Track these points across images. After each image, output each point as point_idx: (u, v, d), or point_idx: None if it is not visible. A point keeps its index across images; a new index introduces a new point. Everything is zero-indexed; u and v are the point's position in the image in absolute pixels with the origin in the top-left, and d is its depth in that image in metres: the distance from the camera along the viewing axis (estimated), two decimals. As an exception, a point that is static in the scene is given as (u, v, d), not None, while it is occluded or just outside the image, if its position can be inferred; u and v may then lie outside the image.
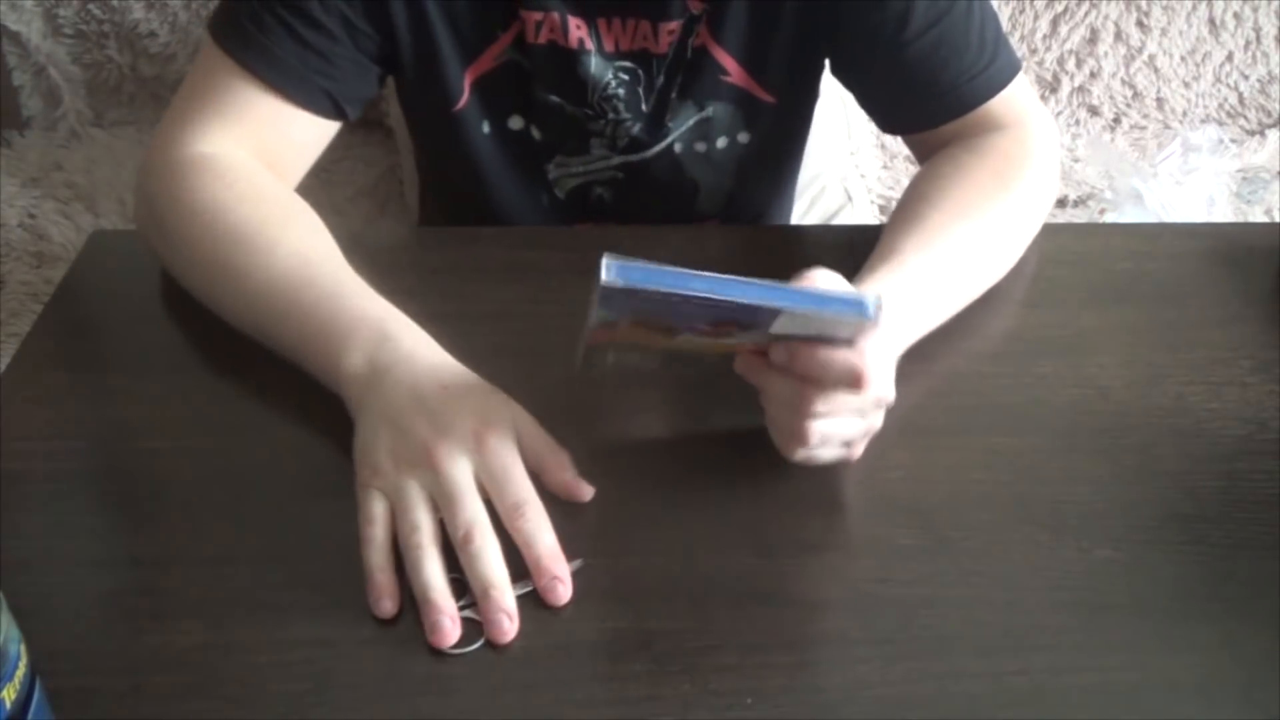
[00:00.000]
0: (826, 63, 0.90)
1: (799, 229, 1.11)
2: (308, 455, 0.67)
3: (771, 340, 0.60)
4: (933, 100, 0.84)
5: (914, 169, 0.88)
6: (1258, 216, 1.53)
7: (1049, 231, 0.84)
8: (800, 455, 0.63)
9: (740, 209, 0.97)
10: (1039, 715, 0.54)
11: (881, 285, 0.70)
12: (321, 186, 1.46)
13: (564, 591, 0.59)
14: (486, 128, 0.89)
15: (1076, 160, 1.63)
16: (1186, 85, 1.65)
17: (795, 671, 0.56)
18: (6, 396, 0.71)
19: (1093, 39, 1.61)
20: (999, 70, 0.83)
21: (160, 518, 0.64)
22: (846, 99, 0.91)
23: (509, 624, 0.57)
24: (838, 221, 1.22)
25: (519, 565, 0.59)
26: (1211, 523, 0.64)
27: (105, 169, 1.54)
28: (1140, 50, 1.61)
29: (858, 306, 0.57)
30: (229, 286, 0.74)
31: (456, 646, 0.57)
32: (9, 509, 0.63)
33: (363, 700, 0.54)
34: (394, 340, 0.67)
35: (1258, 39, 1.61)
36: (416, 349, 0.67)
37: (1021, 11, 1.59)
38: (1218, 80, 1.65)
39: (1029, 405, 0.71)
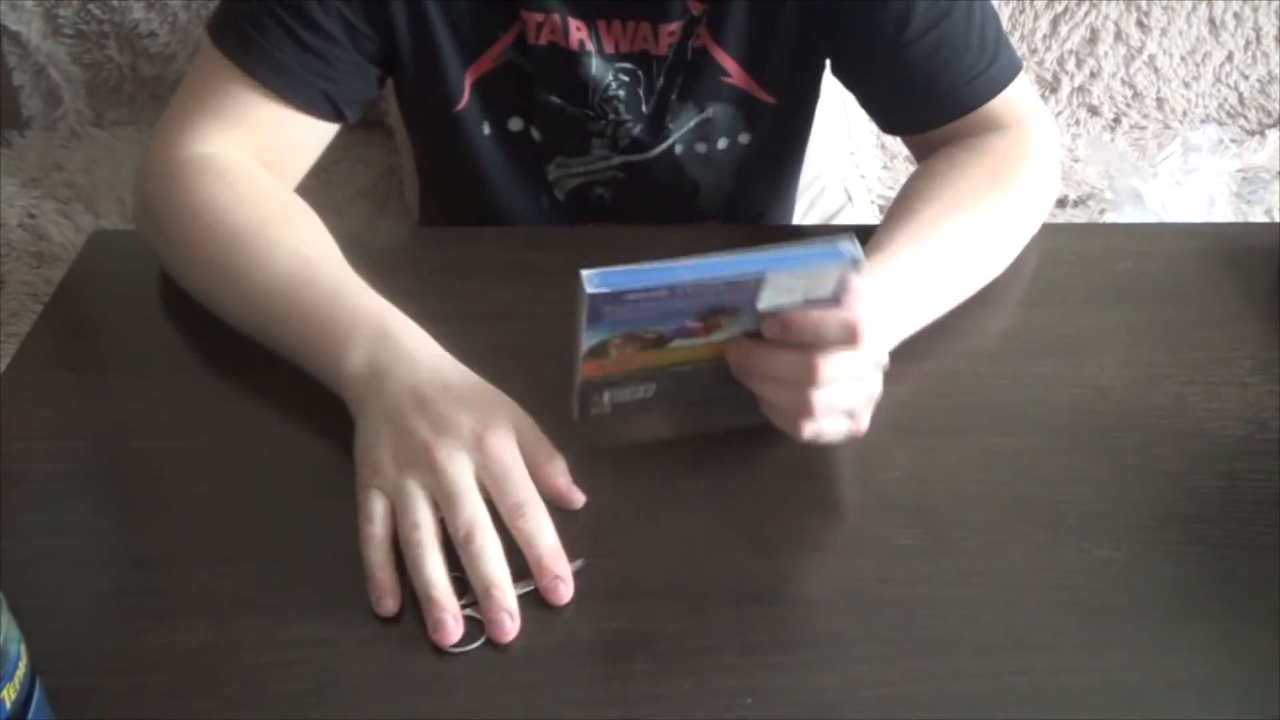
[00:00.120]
0: (827, 63, 0.90)
1: (799, 229, 1.11)
2: (308, 455, 0.67)
3: (761, 321, 0.61)
4: (933, 101, 0.84)
5: (914, 169, 0.88)
6: (1258, 216, 1.53)
7: (1048, 231, 0.84)
8: (809, 431, 0.63)
9: (740, 209, 0.97)
10: (1039, 715, 0.54)
11: (872, 277, 0.70)
12: (321, 187, 1.46)
13: (566, 591, 0.59)
14: (487, 129, 0.89)
15: (1076, 160, 1.63)
16: (1186, 85, 1.65)
17: (795, 671, 0.56)
18: (6, 396, 0.71)
19: (1093, 39, 1.61)
20: (1000, 70, 0.83)
21: (160, 518, 0.64)
22: (847, 99, 0.91)
23: (510, 623, 0.57)
24: (838, 221, 1.22)
25: (520, 565, 0.59)
26: (1211, 523, 0.64)
27: (105, 169, 1.54)
28: (1140, 50, 1.61)
29: (834, 253, 0.58)
30: (229, 287, 0.74)
31: (458, 645, 0.57)
32: (9, 509, 0.63)
33: (363, 700, 0.55)
34: (394, 340, 0.67)
35: (1258, 39, 1.61)
36: (417, 349, 0.67)
37: (1021, 11, 1.59)
38: (1218, 80, 1.65)
39: (1028, 405, 0.71)
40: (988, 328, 0.79)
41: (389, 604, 0.58)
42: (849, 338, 0.60)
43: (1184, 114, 1.67)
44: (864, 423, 0.65)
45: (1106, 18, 1.59)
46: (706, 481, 0.66)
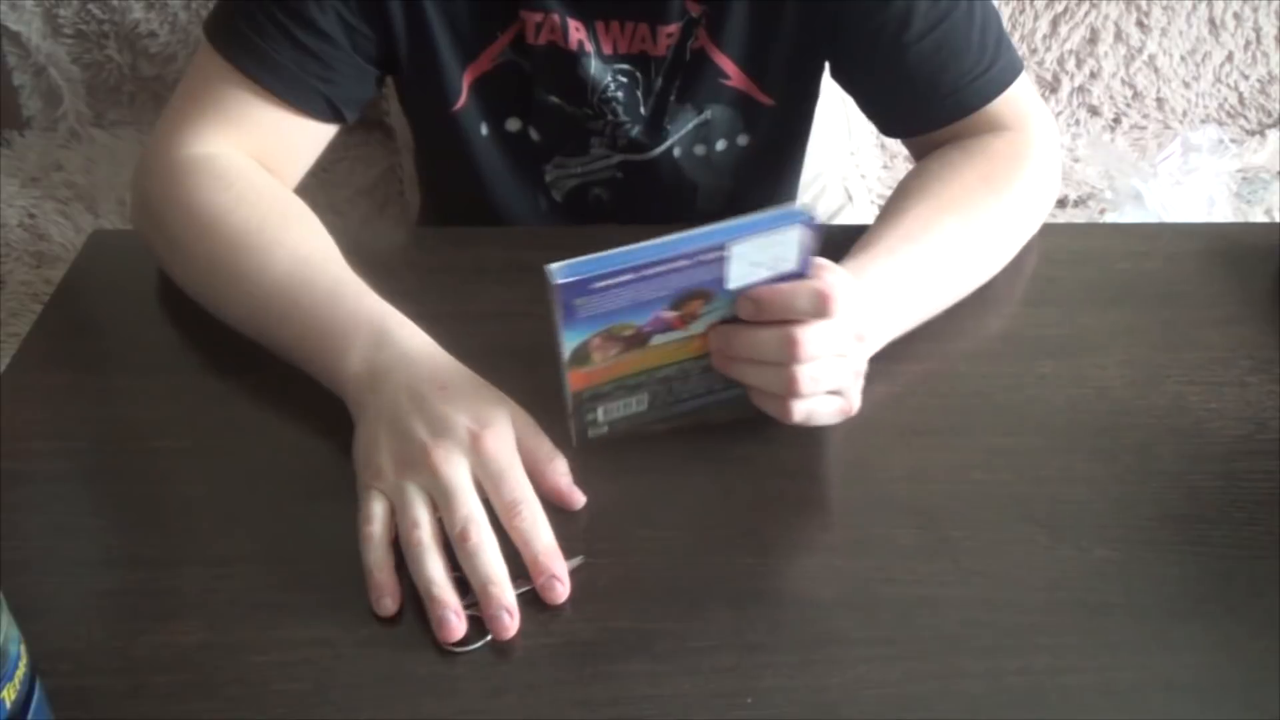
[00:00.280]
0: (826, 65, 0.90)
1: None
2: (308, 455, 0.67)
3: (735, 305, 0.62)
4: (934, 103, 0.83)
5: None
6: (1258, 216, 1.53)
7: (1048, 231, 0.84)
8: (800, 413, 0.63)
9: (739, 210, 0.96)
10: (1039, 715, 0.54)
11: (863, 273, 0.70)
12: (320, 187, 1.46)
13: (562, 590, 0.59)
14: (484, 129, 0.89)
15: (1076, 160, 1.63)
16: (1186, 85, 1.65)
17: (795, 671, 0.56)
18: (6, 396, 0.71)
19: (1093, 39, 1.61)
20: (1000, 71, 0.83)
21: (160, 518, 0.64)
22: (848, 98, 0.91)
23: (510, 620, 0.57)
24: (838, 221, 1.22)
25: (519, 565, 0.59)
26: (1210, 523, 0.64)
27: (105, 169, 1.54)
28: (1140, 50, 1.61)
29: (790, 215, 0.59)
30: (228, 289, 0.74)
31: (461, 645, 0.57)
32: (9, 509, 0.63)
33: (363, 700, 0.55)
34: (393, 341, 0.67)
35: (1258, 39, 1.61)
36: (416, 350, 0.67)
37: (1021, 11, 1.59)
38: (1218, 80, 1.65)
39: (1028, 405, 0.72)
40: (988, 328, 0.79)
41: (388, 604, 0.58)
42: (821, 307, 0.61)
43: (1184, 114, 1.67)
44: (855, 401, 0.65)
45: (1106, 18, 1.59)
46: (706, 481, 0.66)
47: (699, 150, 0.91)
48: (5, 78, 1.58)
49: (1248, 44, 1.61)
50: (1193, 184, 1.53)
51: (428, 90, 0.87)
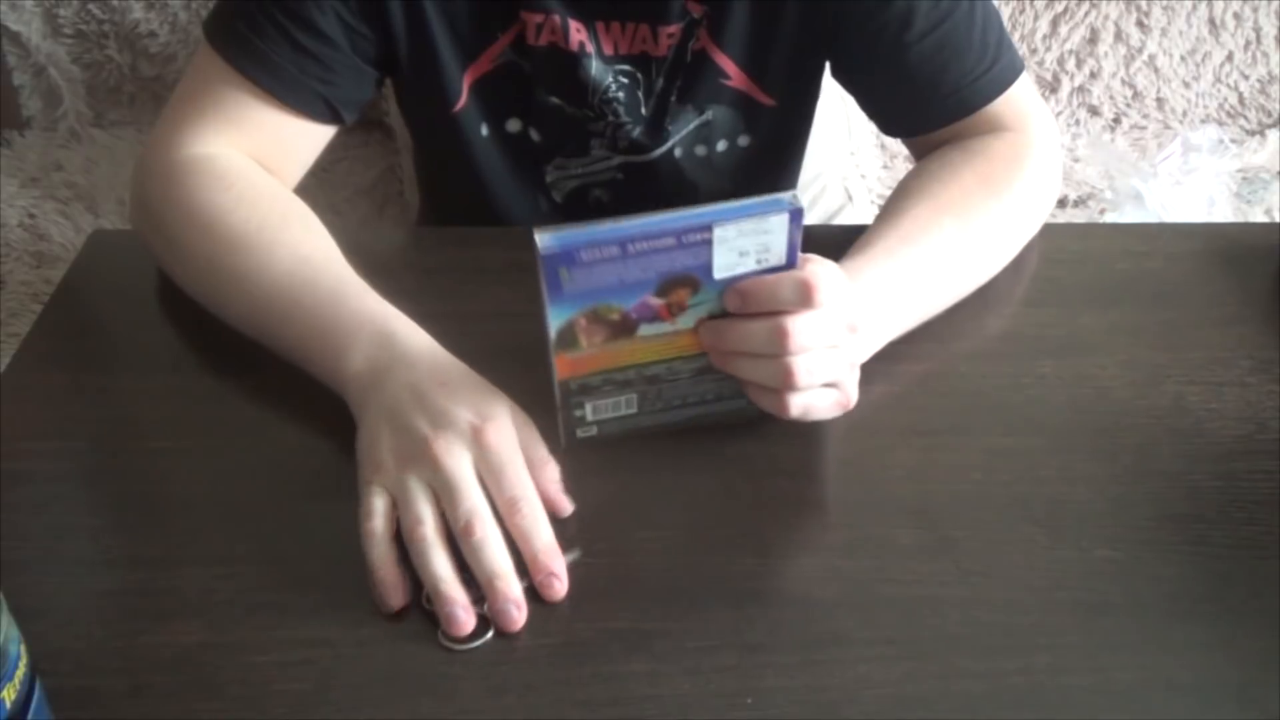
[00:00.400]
0: (826, 64, 0.90)
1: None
2: (308, 455, 0.67)
3: (723, 297, 0.62)
4: (935, 102, 0.83)
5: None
6: (1258, 216, 1.53)
7: (1048, 231, 0.84)
8: (796, 407, 0.63)
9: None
10: (1039, 715, 0.54)
11: (861, 274, 0.70)
12: (320, 186, 1.46)
13: (560, 588, 0.59)
14: (485, 130, 0.89)
15: (1076, 160, 1.63)
16: (1186, 85, 1.65)
17: (795, 671, 0.56)
18: (6, 396, 0.71)
19: (1093, 39, 1.61)
20: (1001, 71, 0.83)
21: (160, 518, 0.64)
22: (847, 98, 0.91)
23: (517, 613, 0.57)
24: (838, 221, 1.22)
25: (516, 560, 0.59)
26: (1210, 523, 0.64)
27: (105, 169, 1.54)
28: (1140, 50, 1.61)
29: (775, 203, 0.60)
30: (229, 289, 0.74)
31: (467, 640, 0.57)
32: (9, 509, 0.63)
33: (363, 700, 0.55)
34: (396, 340, 0.67)
35: (1258, 39, 1.61)
36: (418, 348, 0.67)
37: (1021, 11, 1.59)
38: (1218, 80, 1.65)
39: (1028, 405, 0.72)
40: (988, 328, 0.79)
41: (393, 599, 0.58)
42: (805, 296, 0.61)
43: (1184, 114, 1.67)
44: (852, 393, 0.65)
45: (1106, 18, 1.59)
46: (706, 481, 0.66)
47: (700, 151, 0.91)
48: (5, 78, 1.58)
49: (1248, 44, 1.61)
50: (1193, 184, 1.53)
51: (428, 91, 0.87)
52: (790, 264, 0.62)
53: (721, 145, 0.91)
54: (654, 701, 0.55)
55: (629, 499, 0.65)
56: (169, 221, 0.77)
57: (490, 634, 0.57)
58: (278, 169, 0.81)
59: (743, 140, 0.91)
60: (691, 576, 0.61)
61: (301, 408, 0.69)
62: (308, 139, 0.84)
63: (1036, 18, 1.59)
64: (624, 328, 0.62)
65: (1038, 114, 0.85)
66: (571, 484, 0.64)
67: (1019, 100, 0.84)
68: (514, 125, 0.90)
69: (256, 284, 0.72)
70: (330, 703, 0.54)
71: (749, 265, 0.61)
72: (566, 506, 0.63)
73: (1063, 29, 1.60)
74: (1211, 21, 1.59)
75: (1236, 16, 1.59)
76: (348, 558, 0.60)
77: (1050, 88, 1.64)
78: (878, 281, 0.71)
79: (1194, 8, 1.58)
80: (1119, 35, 1.60)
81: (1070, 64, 1.63)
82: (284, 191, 0.80)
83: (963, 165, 0.81)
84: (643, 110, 0.88)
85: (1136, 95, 1.66)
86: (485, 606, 0.58)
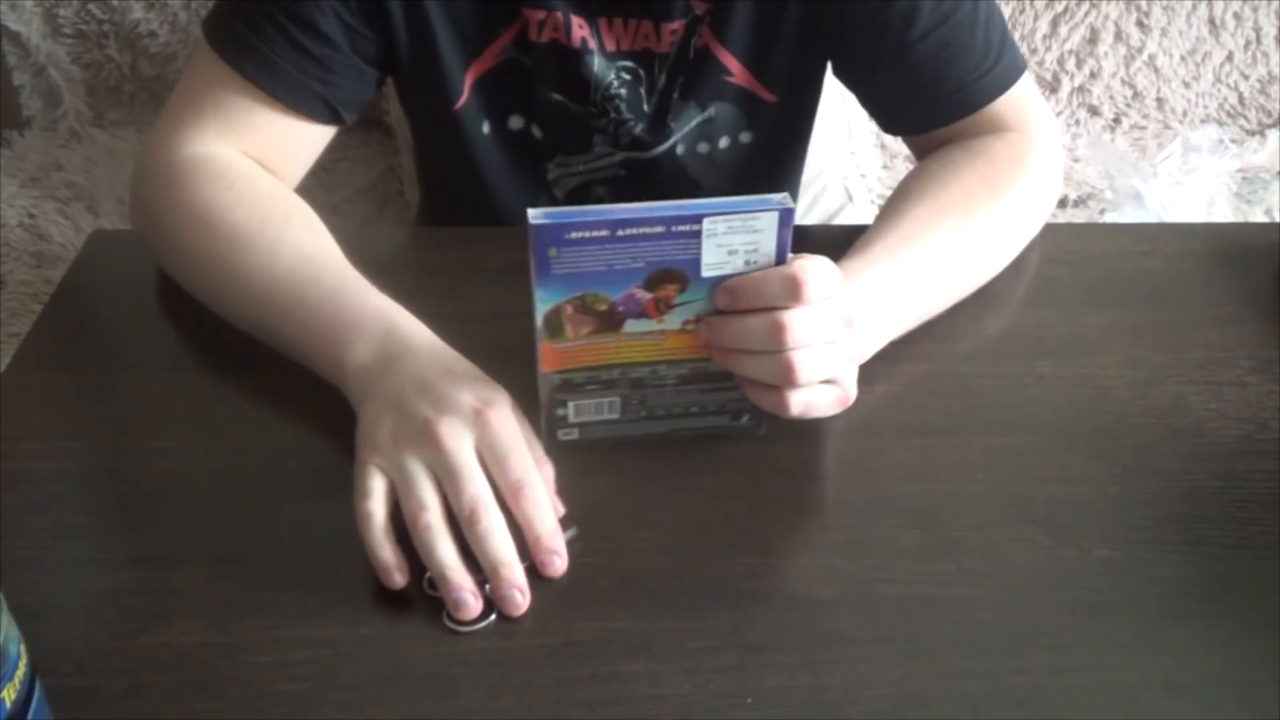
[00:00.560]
0: (829, 62, 0.90)
1: (799, 228, 1.10)
2: (308, 455, 0.67)
3: (713, 294, 0.62)
4: (937, 101, 0.83)
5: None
6: (1258, 216, 1.53)
7: (1048, 231, 0.84)
8: (796, 404, 0.63)
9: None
10: (1039, 715, 0.54)
11: (861, 274, 0.70)
12: (320, 186, 1.46)
13: (561, 564, 0.60)
14: (486, 128, 0.89)
15: (1076, 160, 1.63)
16: (1186, 85, 1.65)
17: (795, 671, 0.56)
18: (6, 396, 0.71)
19: (1093, 39, 1.61)
20: (1004, 71, 0.83)
21: (160, 518, 0.64)
22: (848, 97, 0.91)
23: (522, 599, 0.58)
24: (838, 221, 1.22)
25: (517, 542, 0.60)
26: (1210, 523, 0.64)
27: (105, 169, 1.54)
28: (1140, 50, 1.61)
29: (765, 201, 0.60)
30: (231, 287, 0.74)
31: (470, 623, 0.57)
32: (9, 509, 0.63)
33: (363, 700, 0.55)
34: (399, 334, 0.67)
35: (1258, 39, 1.61)
36: (421, 342, 0.67)
37: (1021, 11, 1.59)
38: (1218, 80, 1.65)
39: (1028, 405, 0.72)
40: (988, 328, 0.79)
41: (397, 579, 0.58)
42: (794, 291, 0.60)
43: (1184, 114, 1.67)
44: (851, 390, 0.65)
45: (1106, 18, 1.59)
46: (706, 481, 0.66)
47: (702, 148, 0.91)
48: (5, 78, 1.58)
49: (1248, 44, 1.61)
50: (1193, 184, 1.53)
51: (429, 89, 0.87)
52: (779, 265, 0.62)
53: (724, 142, 0.91)
54: (654, 701, 0.55)
55: (629, 499, 0.65)
56: (170, 221, 0.77)
57: (494, 616, 0.58)
58: (278, 170, 0.81)
59: (745, 137, 0.91)
60: (691, 576, 0.61)
61: (302, 407, 0.69)
62: (308, 140, 0.84)
63: (1036, 18, 1.59)
64: (610, 321, 0.62)
65: (1039, 114, 0.85)
66: (572, 483, 0.64)
67: (1021, 100, 0.84)
68: (516, 122, 0.90)
69: (259, 281, 0.72)
70: (330, 702, 0.54)
71: (737, 265, 0.61)
72: (558, 509, 0.63)
73: (1063, 29, 1.60)
74: (1211, 21, 1.59)
75: (1236, 16, 1.59)
76: (348, 558, 0.60)
77: (1050, 88, 1.64)
78: (878, 281, 0.71)
79: (1194, 8, 1.58)
80: (1119, 35, 1.60)
81: (1070, 64, 1.63)
82: (285, 190, 0.80)
83: (964, 165, 0.81)
84: (645, 107, 0.88)
85: (1136, 95, 1.66)
86: (488, 588, 0.58)
